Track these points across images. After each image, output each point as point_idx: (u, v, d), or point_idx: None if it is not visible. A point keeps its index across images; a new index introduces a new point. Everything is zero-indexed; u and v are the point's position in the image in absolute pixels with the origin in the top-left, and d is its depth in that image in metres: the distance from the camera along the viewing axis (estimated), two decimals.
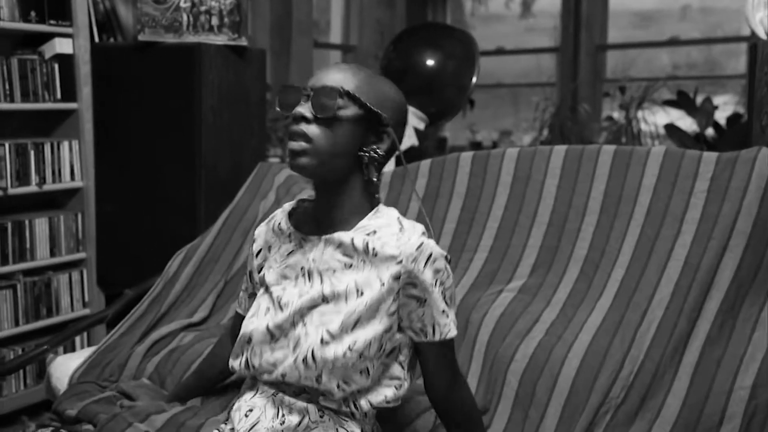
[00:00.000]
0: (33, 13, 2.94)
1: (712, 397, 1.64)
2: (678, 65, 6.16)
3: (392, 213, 1.42)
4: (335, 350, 1.33)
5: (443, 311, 1.38)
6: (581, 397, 1.69)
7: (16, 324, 2.96)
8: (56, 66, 3.03)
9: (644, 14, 6.30)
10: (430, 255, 1.35)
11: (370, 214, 1.40)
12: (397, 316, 1.37)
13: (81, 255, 3.16)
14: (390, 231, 1.37)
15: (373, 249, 1.36)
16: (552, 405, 1.71)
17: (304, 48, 5.36)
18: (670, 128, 4.24)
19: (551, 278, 1.97)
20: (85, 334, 3.12)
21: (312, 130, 1.33)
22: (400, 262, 1.34)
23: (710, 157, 1.87)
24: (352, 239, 1.37)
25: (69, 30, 3.05)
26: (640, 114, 5.12)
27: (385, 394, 1.41)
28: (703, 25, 6.11)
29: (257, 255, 1.54)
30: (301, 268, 1.42)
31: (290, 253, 1.46)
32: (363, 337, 1.34)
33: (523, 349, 1.81)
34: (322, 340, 1.34)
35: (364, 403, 1.40)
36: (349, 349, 1.34)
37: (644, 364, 1.68)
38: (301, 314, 1.38)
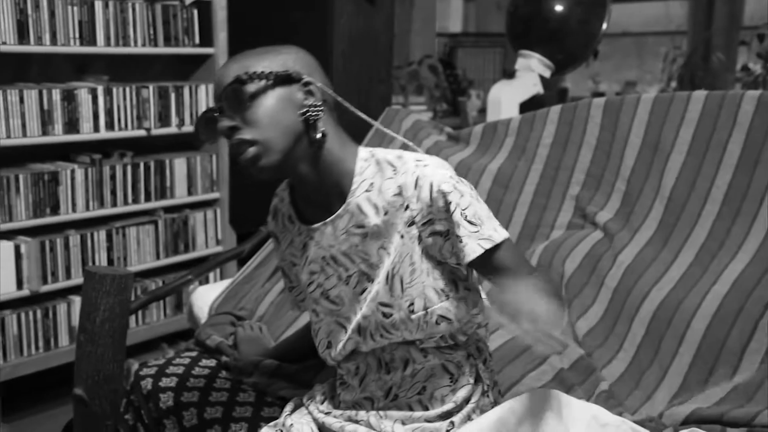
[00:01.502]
0: None
1: None
2: None
3: (377, 154, 1.33)
4: (400, 316, 1.31)
5: (472, 233, 1.26)
6: (713, 352, 1.67)
7: (157, 257, 3.16)
8: (195, 12, 3.16)
9: None
10: (431, 185, 1.26)
11: (357, 168, 1.32)
12: (432, 254, 1.30)
13: (215, 195, 3.33)
14: (385, 176, 1.30)
15: (376, 205, 1.30)
16: (681, 355, 1.70)
17: None
18: None
19: (682, 227, 1.93)
20: (218, 270, 3.29)
21: (246, 131, 1.26)
22: (407, 207, 1.28)
23: None
24: (358, 206, 1.31)
25: None
26: None
27: (465, 320, 1.35)
28: None
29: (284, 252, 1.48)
30: (323, 258, 1.36)
31: (304, 246, 1.39)
32: (416, 294, 1.30)
33: (652, 296, 1.80)
34: (383, 314, 1.32)
35: (457, 333, 1.35)
36: (411, 311, 1.30)
37: None
38: (356, 300, 1.34)
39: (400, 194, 1.28)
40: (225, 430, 1.65)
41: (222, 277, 3.34)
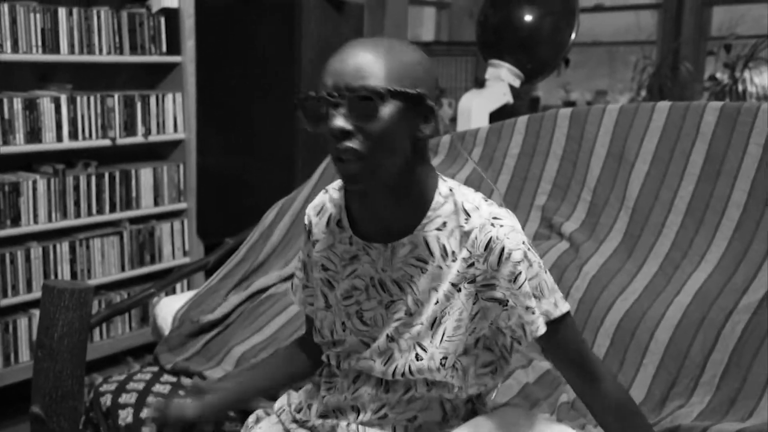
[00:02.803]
0: None
1: None
2: None
3: (456, 194, 1.25)
4: (429, 365, 1.25)
5: (528, 308, 1.21)
6: (676, 363, 1.67)
7: (122, 269, 3.12)
8: (162, 19, 3.13)
9: None
10: (502, 250, 1.20)
11: (434, 203, 1.24)
12: (483, 318, 1.25)
13: (182, 205, 3.29)
14: (458, 222, 1.23)
15: (443, 247, 1.23)
16: (645, 366, 1.70)
17: (399, 4, 5.34)
18: None
19: (646, 237, 1.93)
20: (185, 281, 3.26)
21: (359, 143, 1.13)
22: (472, 264, 1.22)
23: None
24: (425, 240, 1.24)
25: None
26: (746, 74, 4.90)
27: (483, 383, 1.32)
28: None
29: (314, 246, 1.37)
30: (371, 278, 1.29)
31: (353, 258, 1.30)
32: (452, 350, 1.25)
33: (617, 307, 1.79)
34: (417, 357, 1.26)
35: (462, 394, 1.32)
36: (442, 364, 1.25)
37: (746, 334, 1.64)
38: (392, 329, 1.28)
39: (469, 248, 1.22)
40: None
41: (189, 289, 3.30)
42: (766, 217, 1.78)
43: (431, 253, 1.24)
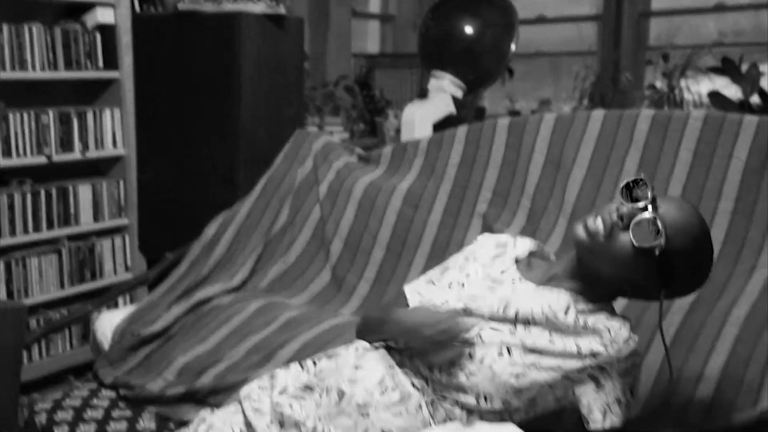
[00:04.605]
0: None
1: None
2: (724, 32, 6.00)
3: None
4: (503, 368, 1.31)
5: (617, 399, 1.32)
6: None
7: (62, 287, 3.04)
8: (98, 35, 3.08)
9: None
10: (633, 351, 1.33)
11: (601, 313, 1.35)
12: (568, 387, 1.33)
13: (123, 221, 3.23)
14: (610, 322, 1.34)
15: (585, 322, 1.32)
16: None
17: (342, 17, 5.35)
18: (714, 96, 4.15)
19: None
20: (128, 298, 3.20)
21: (608, 235, 1.29)
22: (605, 346, 1.31)
23: (751, 121, 1.84)
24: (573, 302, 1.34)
25: (110, 0, 3.09)
26: (683, 82, 5.02)
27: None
28: None
29: None
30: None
31: (503, 272, 1.41)
32: (532, 377, 1.32)
33: None
34: (499, 353, 1.32)
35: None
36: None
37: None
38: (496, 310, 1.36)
39: (609, 335, 1.33)
40: None
41: (132, 304, 3.25)
42: None
43: (566, 311, 1.37)
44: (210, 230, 2.39)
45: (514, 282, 1.39)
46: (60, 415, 1.73)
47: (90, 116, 3.07)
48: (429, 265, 2.14)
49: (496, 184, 2.18)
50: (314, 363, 1.42)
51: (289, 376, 1.41)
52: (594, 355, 1.30)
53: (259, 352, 1.86)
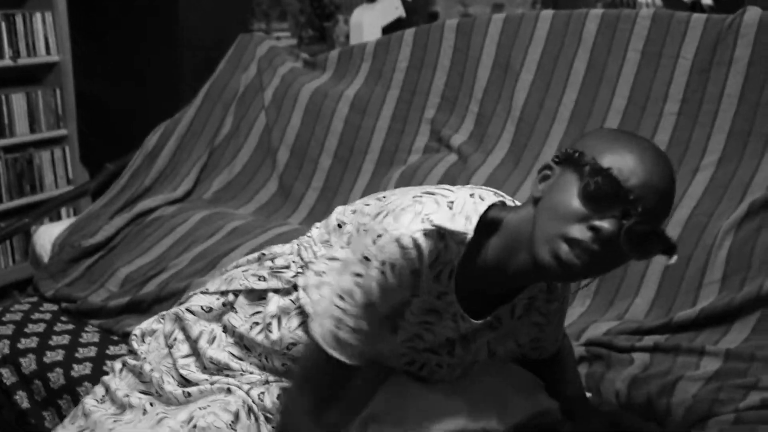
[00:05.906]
0: None
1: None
2: None
3: None
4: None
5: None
6: None
7: (0, 201, 2.95)
8: None
9: None
10: None
11: None
12: None
13: (62, 132, 3.12)
14: None
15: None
16: None
17: None
18: None
19: (532, 147, 1.95)
20: (72, 210, 3.12)
21: (601, 254, 0.99)
22: None
23: (699, 19, 1.81)
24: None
25: None
26: None
27: None
28: None
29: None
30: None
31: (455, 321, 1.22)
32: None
33: None
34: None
35: None
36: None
37: None
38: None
39: None
40: (68, 372, 1.58)
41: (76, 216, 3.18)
42: (645, 124, 1.81)
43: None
44: (151, 140, 2.31)
45: None
46: (0, 330, 1.69)
47: (19, 20, 2.91)
48: (377, 172, 2.12)
49: (444, 88, 2.13)
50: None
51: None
52: None
53: (203, 259, 1.83)
